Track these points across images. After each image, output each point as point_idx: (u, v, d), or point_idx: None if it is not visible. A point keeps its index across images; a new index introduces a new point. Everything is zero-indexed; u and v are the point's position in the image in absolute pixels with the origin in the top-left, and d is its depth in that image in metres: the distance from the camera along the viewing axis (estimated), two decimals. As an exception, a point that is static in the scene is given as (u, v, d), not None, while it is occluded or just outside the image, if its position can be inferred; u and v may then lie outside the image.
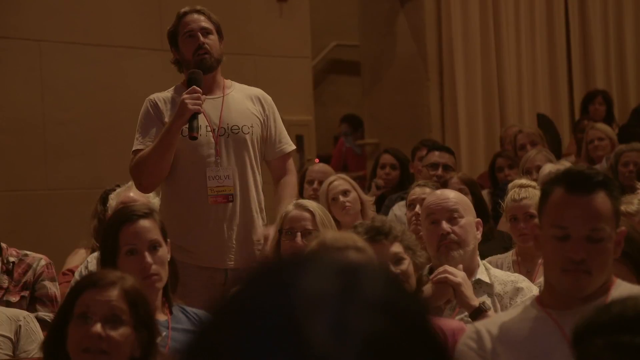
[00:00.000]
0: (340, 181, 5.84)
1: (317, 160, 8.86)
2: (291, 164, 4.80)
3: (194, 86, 4.40)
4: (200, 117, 4.44)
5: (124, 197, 4.99)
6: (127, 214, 3.59)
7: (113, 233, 3.55)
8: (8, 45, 7.40)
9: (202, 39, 4.55)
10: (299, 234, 4.21)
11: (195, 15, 4.62)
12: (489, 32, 9.97)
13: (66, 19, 7.65)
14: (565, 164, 6.06)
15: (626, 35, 11.13)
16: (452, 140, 9.52)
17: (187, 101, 4.33)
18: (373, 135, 10.17)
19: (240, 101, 4.64)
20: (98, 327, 2.78)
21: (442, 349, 1.02)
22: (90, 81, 7.68)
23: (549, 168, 5.94)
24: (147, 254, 3.49)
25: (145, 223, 3.54)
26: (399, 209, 6.44)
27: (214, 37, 4.60)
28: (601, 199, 2.62)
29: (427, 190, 5.12)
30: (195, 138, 4.37)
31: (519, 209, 4.80)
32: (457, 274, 3.61)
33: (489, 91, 9.92)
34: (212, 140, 4.51)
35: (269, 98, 4.73)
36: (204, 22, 4.60)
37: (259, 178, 4.63)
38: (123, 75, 7.78)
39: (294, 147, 4.82)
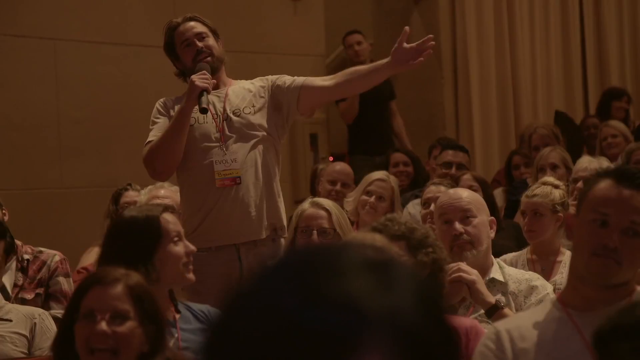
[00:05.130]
0: (385, 184, 5.77)
1: (331, 158, 8.84)
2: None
3: (203, 70, 4.47)
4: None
5: (155, 194, 5.11)
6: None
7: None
8: (23, 44, 7.41)
9: (199, 44, 4.58)
10: (314, 232, 4.20)
11: (188, 24, 4.66)
12: (503, 29, 9.94)
13: (81, 17, 7.66)
14: (602, 161, 6.00)
15: (641, 33, 11.08)
16: (467, 138, 9.49)
17: (194, 79, 4.40)
18: (387, 133, 10.16)
19: (241, 88, 4.66)
20: (103, 325, 2.78)
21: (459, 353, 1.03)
22: (105, 79, 7.70)
23: (586, 161, 5.92)
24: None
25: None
26: (413, 207, 6.42)
27: (211, 40, 4.64)
28: None
29: (442, 188, 5.10)
30: (205, 110, 4.40)
31: (528, 205, 4.81)
32: (471, 272, 3.59)
33: (503, 89, 9.89)
34: (217, 126, 4.54)
35: (269, 76, 4.72)
36: (198, 28, 4.64)
37: (272, 153, 4.62)
38: (138, 73, 7.79)
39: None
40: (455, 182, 5.97)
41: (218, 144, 4.51)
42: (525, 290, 3.89)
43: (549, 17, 10.39)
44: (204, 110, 4.40)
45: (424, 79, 9.76)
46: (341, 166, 6.70)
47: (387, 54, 4.21)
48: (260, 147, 4.56)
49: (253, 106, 4.59)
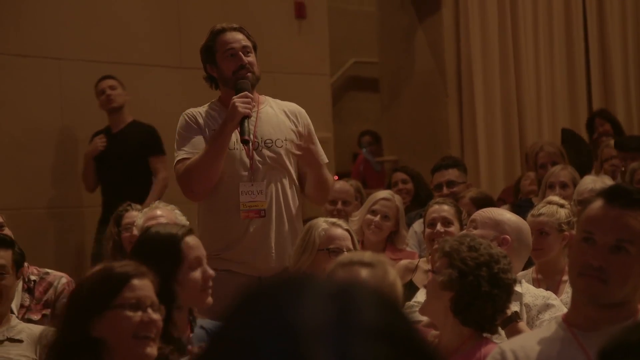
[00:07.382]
0: (390, 203, 5.74)
1: (336, 177, 8.83)
2: (327, 172, 4.75)
3: (245, 92, 4.39)
4: (234, 132, 4.42)
5: (151, 215, 5.02)
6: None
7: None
8: (28, 63, 7.43)
9: (244, 58, 4.53)
10: (346, 253, 4.17)
11: (237, 34, 4.59)
12: (507, 47, 9.95)
13: (85, 37, 7.68)
14: (605, 180, 5.99)
15: (645, 50, 11.08)
16: (471, 157, 9.49)
17: (237, 104, 4.32)
18: (392, 151, 10.16)
19: (274, 115, 4.61)
20: (154, 314, 2.98)
21: None
22: (110, 99, 7.69)
23: (590, 181, 5.91)
24: None
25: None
26: (419, 226, 6.40)
27: (252, 56, 4.59)
28: (637, 217, 2.61)
29: (446, 207, 5.08)
30: (247, 142, 4.33)
31: (534, 224, 4.79)
32: None
33: (507, 107, 9.89)
34: (246, 154, 4.49)
35: (303, 112, 4.70)
36: (244, 41, 4.58)
37: (294, 190, 4.60)
38: (142, 92, 7.80)
39: (327, 160, 4.76)
40: (457, 200, 5.95)
41: (246, 172, 4.48)
42: (540, 306, 3.90)
43: (553, 35, 10.39)
44: (245, 142, 4.33)
45: (428, 96, 9.77)
46: (340, 185, 6.66)
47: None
48: (286, 182, 4.54)
49: (285, 140, 4.54)
